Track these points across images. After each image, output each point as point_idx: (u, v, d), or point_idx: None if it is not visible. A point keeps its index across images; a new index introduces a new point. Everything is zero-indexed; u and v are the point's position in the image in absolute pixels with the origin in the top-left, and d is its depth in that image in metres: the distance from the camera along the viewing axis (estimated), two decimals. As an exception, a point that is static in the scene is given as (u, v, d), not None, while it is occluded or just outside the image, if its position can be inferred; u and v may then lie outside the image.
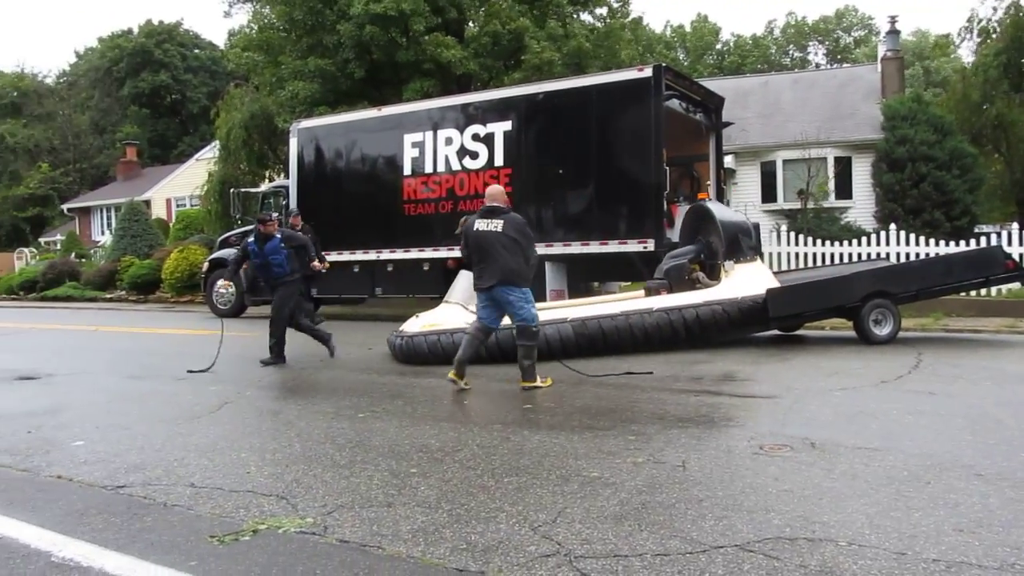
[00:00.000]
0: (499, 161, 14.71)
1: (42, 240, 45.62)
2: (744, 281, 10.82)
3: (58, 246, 40.09)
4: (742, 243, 11.27)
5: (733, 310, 10.30)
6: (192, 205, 33.74)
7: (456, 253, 14.95)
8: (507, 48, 22.72)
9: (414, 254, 15.57)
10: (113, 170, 48.98)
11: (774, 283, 11.09)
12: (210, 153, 31.26)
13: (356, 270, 16.23)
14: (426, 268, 15.55)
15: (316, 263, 10.80)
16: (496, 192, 8.24)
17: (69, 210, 45.20)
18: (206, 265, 18.14)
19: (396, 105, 17.51)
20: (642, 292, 11.82)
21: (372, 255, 16.03)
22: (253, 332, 12.94)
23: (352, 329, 14.48)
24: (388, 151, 16.15)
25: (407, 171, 15.76)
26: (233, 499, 4.78)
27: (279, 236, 10.39)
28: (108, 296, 26.11)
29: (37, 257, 36.88)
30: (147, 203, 36.71)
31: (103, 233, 40.19)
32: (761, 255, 12.22)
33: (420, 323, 10.20)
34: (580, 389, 8.06)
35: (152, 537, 4.24)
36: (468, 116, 15.26)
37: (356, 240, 16.18)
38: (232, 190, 20.18)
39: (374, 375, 9.29)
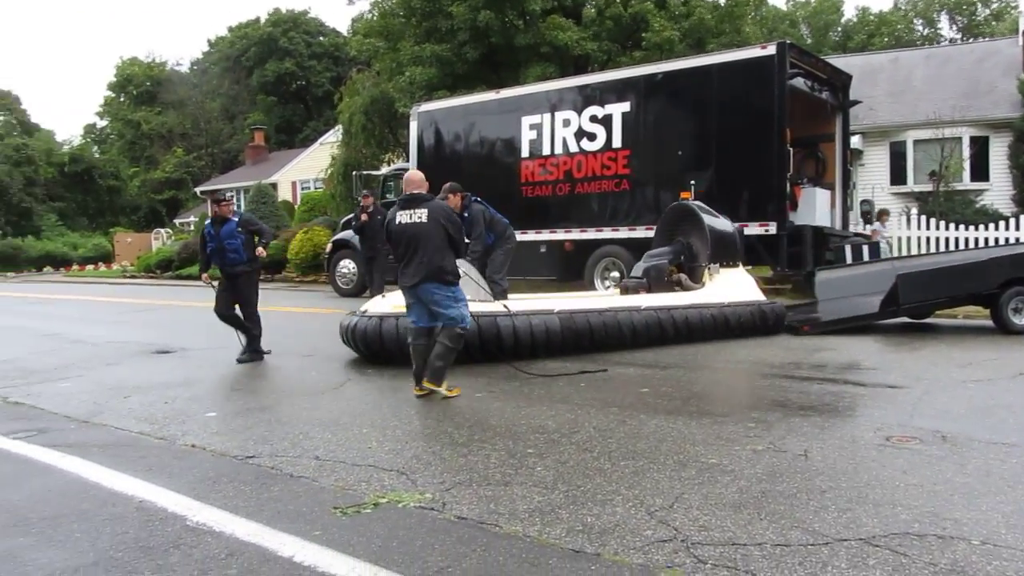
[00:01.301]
0: (617, 143, 14.60)
1: (177, 221, 47.88)
2: (731, 287, 10.58)
3: (191, 227, 41.99)
4: (728, 247, 10.96)
5: (720, 315, 10.00)
6: (316, 188, 34.79)
7: (574, 235, 14.99)
8: (627, 28, 22.47)
9: (531, 236, 15.62)
10: (242, 154, 50.96)
11: (759, 292, 10.93)
12: (333, 137, 32.10)
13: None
14: (543, 250, 15.60)
15: (260, 248, 9.52)
16: (416, 178, 7.21)
17: (201, 193, 47.28)
18: (329, 246, 18.70)
19: (514, 88, 17.57)
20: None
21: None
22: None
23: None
24: (506, 133, 16.23)
25: (525, 153, 15.82)
26: (355, 472, 4.93)
27: (235, 220, 9.47)
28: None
29: (172, 237, 38.70)
30: (274, 186, 38.06)
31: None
32: (744, 261, 11.62)
33: (389, 303, 8.83)
34: (697, 374, 7.95)
35: (279, 506, 4.42)
36: (586, 97, 15.18)
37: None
38: (354, 173, 20.69)
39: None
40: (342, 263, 18.60)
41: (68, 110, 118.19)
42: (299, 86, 57.51)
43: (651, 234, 14.14)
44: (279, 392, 7.62)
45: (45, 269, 39.70)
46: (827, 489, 4.37)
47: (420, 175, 7.29)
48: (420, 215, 6.87)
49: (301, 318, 14.73)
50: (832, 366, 8.25)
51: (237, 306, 9.48)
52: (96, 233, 47.59)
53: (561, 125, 15.31)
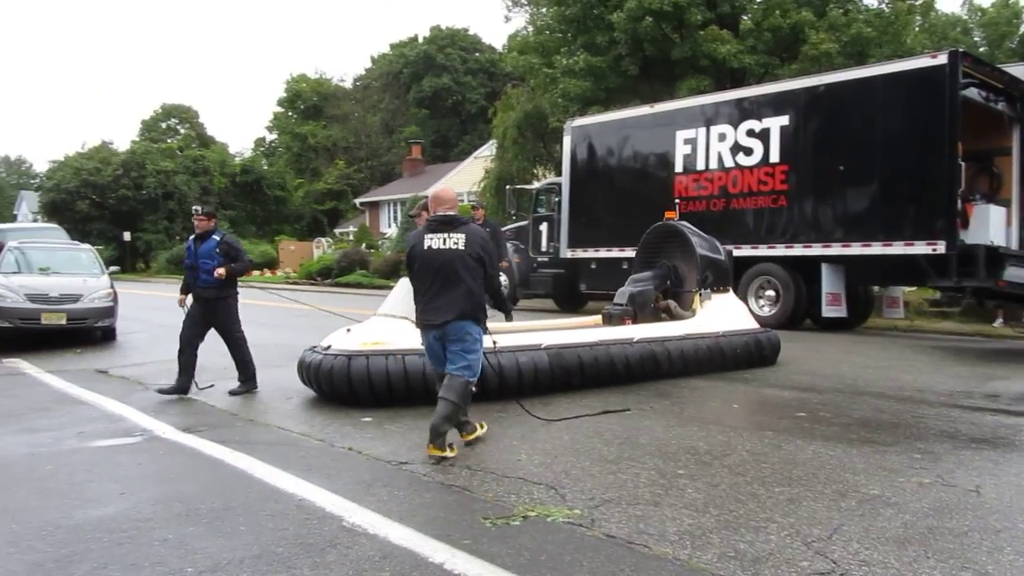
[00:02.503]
0: (775, 157, 14.20)
1: (337, 231, 49.87)
2: (724, 315, 9.73)
3: (351, 237, 43.63)
4: (718, 271, 10.11)
5: (716, 347, 9.15)
6: (469, 201, 35.49)
7: (738, 252, 14.66)
8: (784, 41, 21.88)
9: (682, 252, 15.40)
10: (399, 167, 52.62)
11: (752, 319, 10.18)
12: (487, 151, 32.70)
13: (624, 267, 16.27)
14: (695, 266, 15.35)
15: (219, 268, 8.28)
16: (448, 196, 6.06)
17: (361, 204, 49.12)
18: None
19: (669, 101, 17.39)
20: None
21: (642, 252, 16.05)
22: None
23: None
24: (660, 148, 16.09)
25: (679, 168, 15.63)
26: (504, 484, 4.98)
27: (216, 239, 8.45)
28: (392, 285, 28.05)
29: (332, 246, 40.31)
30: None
31: (390, 226, 43.33)
32: (734, 286, 10.78)
33: (357, 339, 7.58)
34: (858, 400, 7.62)
35: (430, 513, 4.52)
36: (743, 111, 14.86)
37: (626, 237, 16.23)
38: (507, 187, 20.99)
39: (640, 372, 9.27)
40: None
41: (240, 124, 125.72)
42: (454, 101, 58.86)
43: (809, 252, 13.71)
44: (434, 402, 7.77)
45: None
46: (1002, 529, 4.10)
47: (453, 193, 6.21)
48: (456, 240, 5.77)
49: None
50: (1007, 396, 7.74)
51: (220, 336, 8.58)
52: (263, 240, 50.07)
53: (716, 139, 15.04)
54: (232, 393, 8.26)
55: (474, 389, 5.90)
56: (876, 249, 12.97)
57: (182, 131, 66.66)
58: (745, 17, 23.58)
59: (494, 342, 7.09)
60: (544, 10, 25.99)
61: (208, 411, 7.39)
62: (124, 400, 8.08)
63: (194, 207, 8.80)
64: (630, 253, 16.06)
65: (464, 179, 37.90)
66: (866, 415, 6.93)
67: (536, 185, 21.26)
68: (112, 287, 13.23)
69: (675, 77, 22.19)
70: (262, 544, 4.11)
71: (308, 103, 62.46)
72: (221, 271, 8.22)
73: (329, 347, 7.60)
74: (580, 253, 17.06)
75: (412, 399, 7.08)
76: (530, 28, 27.19)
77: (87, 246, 15.66)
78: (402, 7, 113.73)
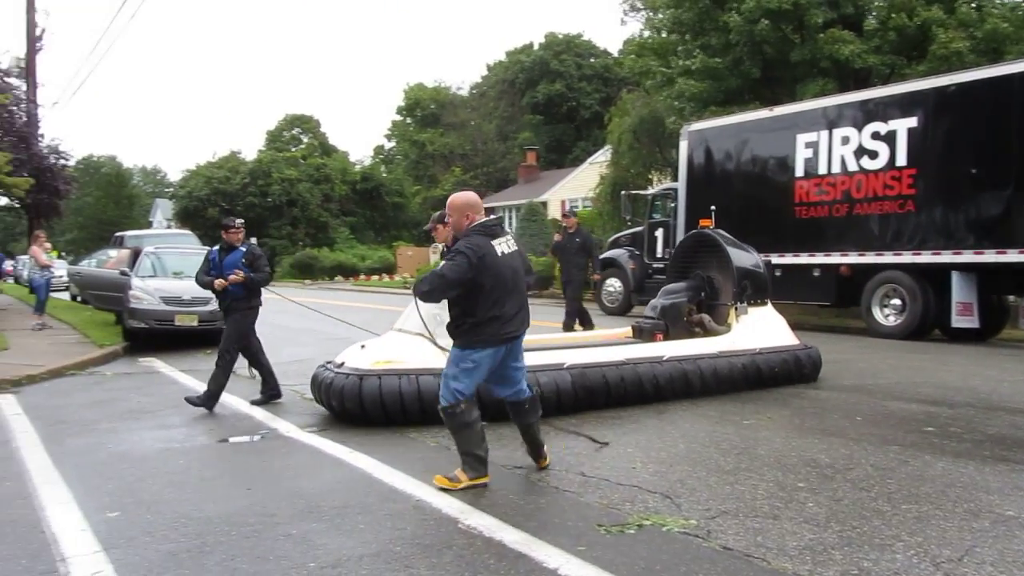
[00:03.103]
0: (901, 160, 13.66)
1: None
2: (761, 330, 9.00)
3: (465, 243, 44.14)
4: (756, 283, 9.38)
5: (752, 365, 8.46)
6: (584, 206, 35.45)
7: (851, 259, 14.19)
8: (911, 40, 21.02)
9: (803, 259, 14.99)
10: (514, 173, 53.01)
11: (792, 335, 9.29)
12: (602, 157, 32.58)
13: (742, 274, 15.99)
14: (816, 274, 14.91)
15: (236, 273, 8.21)
16: (478, 201, 5.50)
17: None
18: (595, 264, 18.89)
19: (789, 104, 16.96)
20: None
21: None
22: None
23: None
24: (779, 152, 15.71)
25: (799, 172, 15.22)
26: (619, 492, 4.96)
27: (243, 250, 8.40)
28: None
29: (448, 252, 40.89)
30: (544, 204, 39.23)
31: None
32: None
33: (370, 357, 7.16)
34: (992, 415, 7.25)
35: (545, 517, 4.54)
36: (867, 113, 14.35)
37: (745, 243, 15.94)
38: (623, 192, 20.87)
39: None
40: (608, 281, 18.81)
41: (361, 133, 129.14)
42: (569, 107, 58.90)
43: (939, 259, 13.14)
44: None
45: (336, 278, 43.35)
46: None
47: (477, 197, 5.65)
48: (512, 245, 5.39)
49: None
50: None
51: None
52: (381, 246, 51.31)
53: (839, 143, 14.58)
54: (253, 403, 8.25)
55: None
56: (1013, 256, 12.31)
57: (305, 140, 68.92)
58: (870, 16, 22.77)
59: None
60: (660, 15, 25.75)
61: (328, 412, 7.60)
62: (250, 399, 8.40)
63: (236, 219, 8.69)
64: (748, 260, 15.82)
65: (579, 185, 37.92)
66: (1001, 431, 6.59)
67: (651, 190, 21.07)
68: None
69: (796, 79, 21.60)
70: (381, 542, 4.22)
71: (427, 111, 63.64)
72: (238, 275, 8.15)
73: (343, 364, 7.27)
74: (696, 259, 16.82)
75: (427, 421, 6.56)
76: (646, 32, 26.96)
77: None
78: (518, 15, 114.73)
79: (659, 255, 18.00)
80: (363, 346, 7.40)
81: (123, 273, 14.36)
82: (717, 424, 6.85)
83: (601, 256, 18.60)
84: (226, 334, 8.29)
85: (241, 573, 3.88)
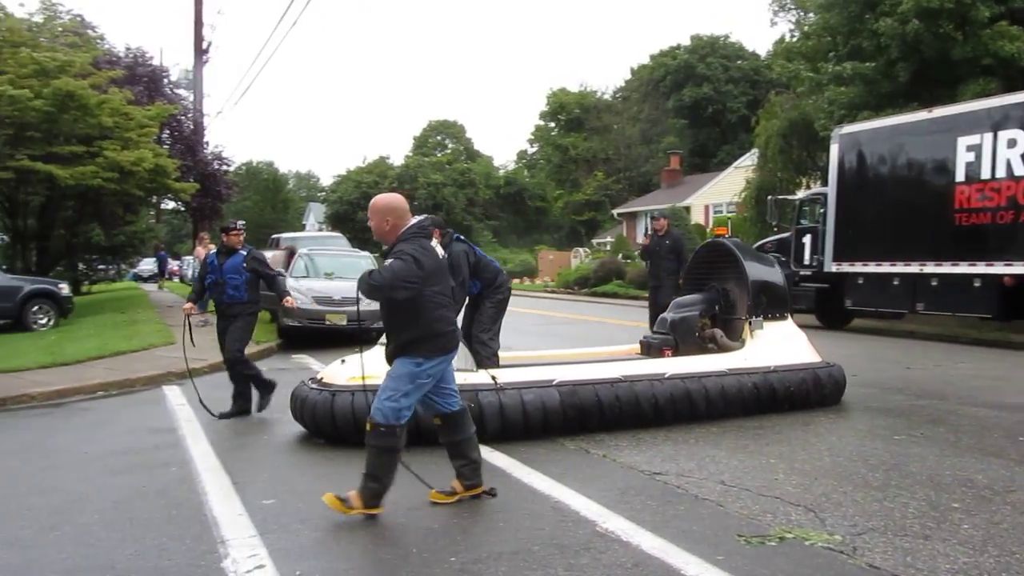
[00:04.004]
0: (1074, 165, 12.77)
1: (594, 241, 50.58)
2: (778, 346, 8.20)
3: (607, 247, 44.10)
4: (774, 296, 8.62)
5: (765, 384, 7.68)
6: (728, 211, 34.77)
7: (1017, 269, 13.35)
8: (1091, 34, 19.58)
9: (963, 268, 14.19)
10: (657, 178, 52.53)
11: (813, 351, 8.35)
12: (748, 161, 31.86)
13: (896, 283, 15.29)
14: (976, 284, 14.08)
15: (287, 299, 8.57)
16: (401, 204, 4.99)
17: (618, 215, 49.50)
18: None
19: (949, 106, 16.10)
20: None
21: (914, 268, 14.94)
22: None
23: (886, 345, 13.76)
24: (938, 156, 14.93)
25: (960, 177, 14.42)
26: (760, 503, 4.87)
27: (244, 253, 8.26)
28: (646, 295, 28.08)
29: (589, 256, 40.95)
30: (687, 209, 38.69)
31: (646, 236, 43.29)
32: (791, 313, 8.94)
33: (346, 373, 6.77)
34: None
35: (683, 525, 4.51)
36: (1039, 114, 13.47)
37: (897, 251, 15.25)
38: (769, 197, 20.33)
39: (912, 397, 8.66)
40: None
41: (504, 137, 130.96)
42: (715, 110, 57.91)
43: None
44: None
45: (478, 281, 44.07)
46: None
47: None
48: (442, 250, 5.20)
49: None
50: None
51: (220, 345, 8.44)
52: (523, 250, 51.85)
53: (1005, 146, 13.73)
54: (220, 416, 7.97)
55: None
56: None
57: (450, 145, 70.44)
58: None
59: (493, 378, 6.82)
60: (810, 15, 24.99)
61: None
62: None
63: (237, 221, 8.58)
64: (903, 268, 15.14)
65: (723, 189, 37.21)
66: None
67: (799, 195, 20.42)
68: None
69: (956, 79, 20.47)
70: (519, 541, 4.30)
71: (570, 115, 63.87)
72: (290, 301, 8.56)
73: (322, 379, 7.05)
74: (846, 267, 16.19)
75: (410, 441, 5.51)
76: (795, 34, 26.21)
77: (366, 253, 17.00)
78: (663, 17, 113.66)
79: (806, 262, 17.44)
80: (343, 361, 7.08)
81: (279, 274, 15.06)
82: (865, 438, 6.61)
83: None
84: (236, 336, 8.11)
85: (384, 563, 4.04)
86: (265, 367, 11.40)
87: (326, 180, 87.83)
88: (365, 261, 15.83)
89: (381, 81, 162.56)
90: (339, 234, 25.84)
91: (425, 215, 5.27)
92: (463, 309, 7.84)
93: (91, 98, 18.10)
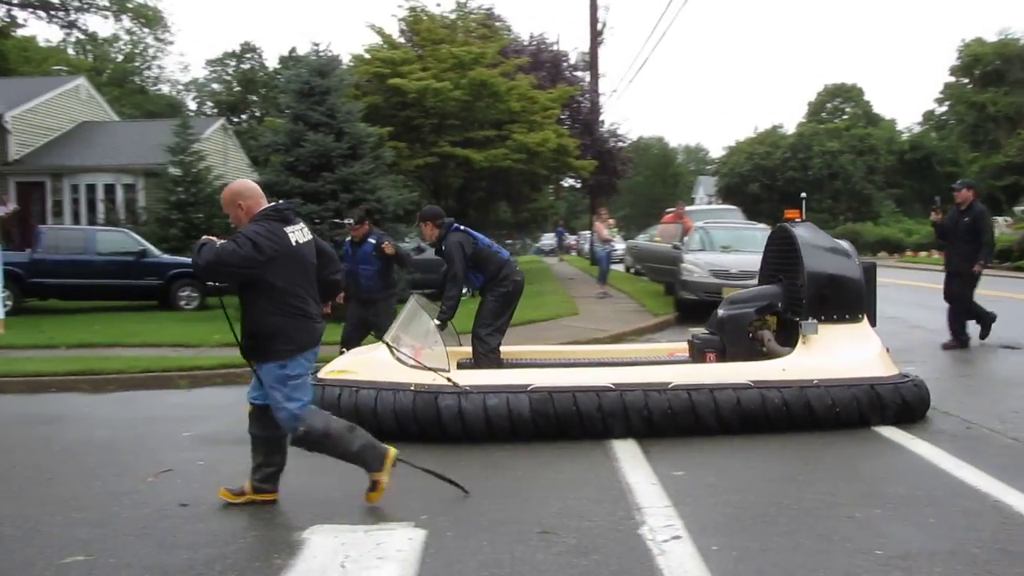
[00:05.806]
0: None
1: (1017, 209, 44.91)
2: (833, 355, 6.58)
3: (1034, 215, 38.98)
4: (844, 295, 6.89)
5: (799, 400, 6.13)
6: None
7: None
8: None
9: None
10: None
11: (882, 362, 6.57)
12: None
13: None
14: None
15: (387, 244, 7.82)
16: (250, 188, 4.60)
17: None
18: None
19: None
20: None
21: None
22: None
23: None
24: None
25: None
26: None
27: (372, 242, 7.91)
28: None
29: (1011, 226, 36.50)
30: None
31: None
32: (872, 316, 6.98)
33: (331, 366, 6.55)
34: None
35: None
36: None
37: None
38: None
39: None
40: None
41: (907, 98, 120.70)
42: None
43: None
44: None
45: (879, 253, 41.22)
46: None
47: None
48: (306, 234, 4.70)
49: None
50: None
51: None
52: (928, 220, 47.72)
53: None
54: None
55: None
56: None
57: (848, 111, 66.38)
58: None
59: (449, 379, 6.11)
60: None
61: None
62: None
63: (346, 220, 8.49)
64: None
65: None
66: None
67: None
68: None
69: None
70: (955, 540, 3.96)
71: (988, 67, 57.00)
72: (389, 247, 7.83)
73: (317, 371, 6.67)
74: None
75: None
76: None
77: (763, 226, 16.57)
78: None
79: None
80: (342, 351, 7.02)
81: (675, 247, 15.26)
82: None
83: None
84: (380, 327, 7.75)
85: (805, 548, 3.92)
86: (664, 339, 11.60)
87: (715, 152, 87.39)
88: (762, 234, 15.47)
89: (772, 47, 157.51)
90: (734, 207, 25.40)
91: (284, 200, 4.86)
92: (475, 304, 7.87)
93: (501, 85, 19.67)
